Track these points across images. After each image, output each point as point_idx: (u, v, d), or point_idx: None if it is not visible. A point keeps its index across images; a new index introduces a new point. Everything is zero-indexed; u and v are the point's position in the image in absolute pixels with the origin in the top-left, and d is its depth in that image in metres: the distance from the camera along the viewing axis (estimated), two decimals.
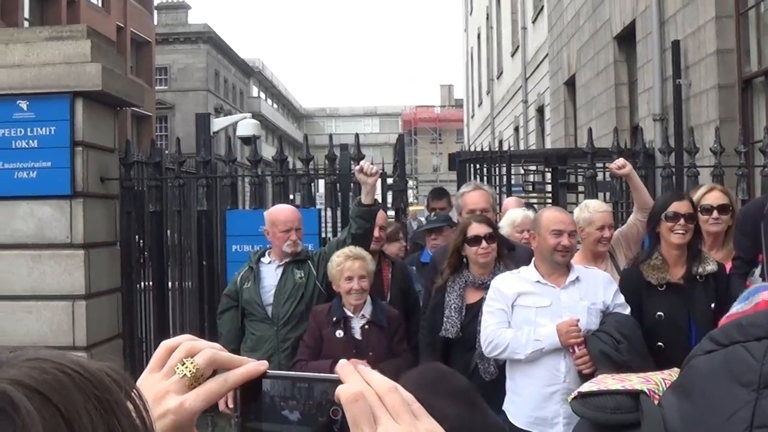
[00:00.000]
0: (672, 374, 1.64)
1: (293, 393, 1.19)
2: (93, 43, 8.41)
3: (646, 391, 1.41)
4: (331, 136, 9.91)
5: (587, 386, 1.89)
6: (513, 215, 7.79)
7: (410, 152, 73.98)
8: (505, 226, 7.48)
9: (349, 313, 6.27)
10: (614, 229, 6.74)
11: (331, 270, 6.36)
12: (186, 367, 1.20)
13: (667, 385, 1.61)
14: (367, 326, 6.27)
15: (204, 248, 9.72)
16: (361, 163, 6.88)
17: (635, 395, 1.39)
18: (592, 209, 6.63)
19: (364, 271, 6.25)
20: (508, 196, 12.34)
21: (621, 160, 6.85)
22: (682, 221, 5.94)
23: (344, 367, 1.15)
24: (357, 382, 1.12)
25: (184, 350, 1.22)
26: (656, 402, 1.60)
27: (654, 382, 1.66)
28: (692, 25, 13.47)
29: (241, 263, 8.29)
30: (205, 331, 9.15)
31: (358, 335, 6.26)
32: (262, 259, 6.99)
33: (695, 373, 1.36)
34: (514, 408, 5.70)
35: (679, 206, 6.00)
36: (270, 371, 1.21)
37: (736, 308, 1.96)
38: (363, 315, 6.30)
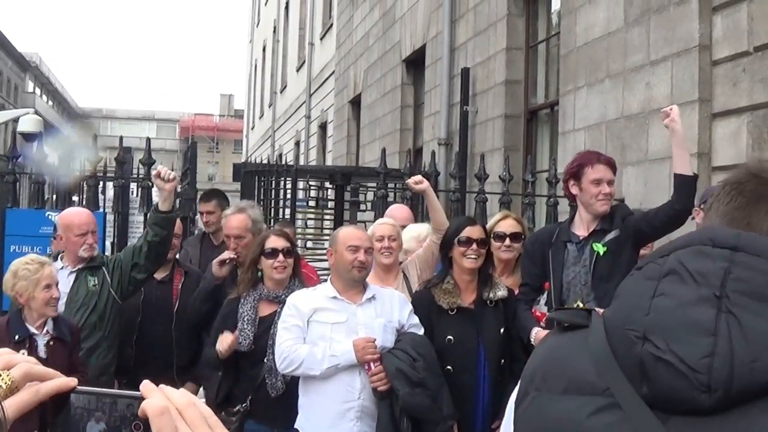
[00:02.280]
0: None
1: (98, 406, 1.25)
2: None
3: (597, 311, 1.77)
4: (121, 138, 9.50)
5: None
6: (418, 229, 7.28)
7: (183, 162, 73.08)
8: (408, 240, 7.03)
9: (33, 330, 5.69)
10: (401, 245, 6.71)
11: (17, 282, 5.66)
12: (2, 379, 1.22)
13: None
14: (51, 342, 5.74)
15: None
16: (159, 168, 6.58)
17: (589, 311, 1.75)
18: (375, 224, 6.79)
19: (55, 279, 5.79)
20: (291, 210, 12.19)
21: (419, 177, 6.85)
22: (474, 246, 5.99)
23: (147, 385, 1.24)
24: (160, 398, 1.21)
25: (2, 362, 1.25)
26: None
27: None
28: (482, 54, 13.69)
29: None
30: None
31: (42, 354, 5.62)
32: (55, 263, 6.51)
33: (620, 287, 1.73)
34: (308, 425, 5.61)
35: (471, 231, 6.05)
36: (79, 387, 1.26)
37: None
38: (47, 331, 5.74)
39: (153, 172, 6.65)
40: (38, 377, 1.26)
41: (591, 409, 1.55)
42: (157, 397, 1.20)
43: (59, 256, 6.64)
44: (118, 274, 6.48)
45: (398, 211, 7.79)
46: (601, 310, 1.75)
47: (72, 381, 1.26)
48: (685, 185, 5.79)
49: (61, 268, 6.45)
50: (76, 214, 6.75)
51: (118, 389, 4.36)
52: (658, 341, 1.52)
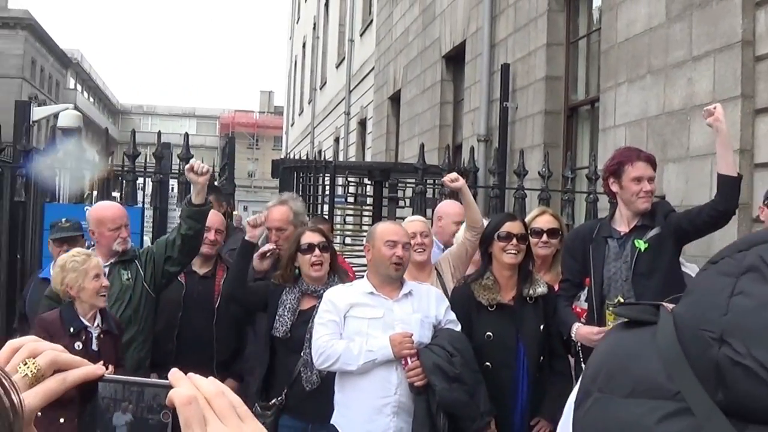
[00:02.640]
0: None
1: (125, 396, 1.24)
2: None
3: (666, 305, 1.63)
4: (159, 133, 9.56)
5: None
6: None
7: (221, 158, 73.32)
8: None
9: (86, 322, 5.71)
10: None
11: (66, 275, 5.70)
12: (28, 367, 1.22)
13: None
14: (102, 336, 5.76)
15: (18, 241, 9.17)
16: (191, 161, 6.59)
17: (657, 306, 1.63)
18: (406, 220, 6.80)
19: (103, 269, 5.84)
20: (330, 207, 12.18)
21: (454, 174, 6.80)
22: (514, 241, 5.95)
23: (175, 374, 1.23)
24: (189, 387, 1.20)
25: (27, 351, 1.24)
26: None
27: None
28: (522, 50, 13.63)
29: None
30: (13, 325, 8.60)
31: (94, 347, 5.68)
32: None
33: (692, 282, 1.62)
34: (344, 422, 5.60)
35: (511, 227, 6.02)
36: (106, 375, 1.25)
37: None
38: (97, 324, 5.77)
39: (186, 166, 6.65)
40: (65, 365, 1.24)
41: (660, 414, 1.44)
42: (185, 386, 1.19)
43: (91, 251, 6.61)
44: (151, 267, 6.48)
45: (450, 206, 7.71)
46: (670, 306, 1.64)
47: (99, 369, 1.25)
48: (728, 186, 5.72)
49: None
50: (108, 208, 6.77)
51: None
52: (737, 344, 1.41)
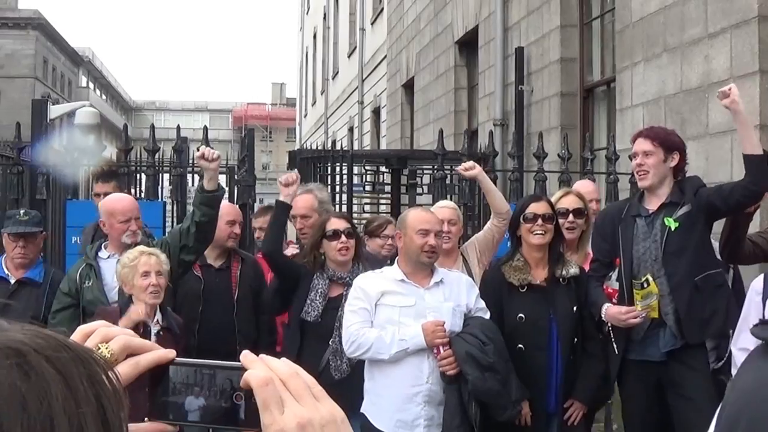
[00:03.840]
0: None
1: (197, 380, 1.24)
2: None
3: None
4: (178, 127, 9.60)
5: None
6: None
7: (240, 150, 73.32)
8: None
9: (144, 318, 5.69)
10: (462, 229, 6.75)
11: (122, 270, 5.76)
12: (101, 352, 1.22)
13: None
14: (161, 333, 5.76)
15: None
16: (202, 148, 6.58)
17: None
18: (433, 208, 6.66)
19: (160, 268, 5.76)
20: (348, 196, 12.22)
21: (470, 162, 6.78)
22: (540, 221, 5.91)
23: (248, 356, 1.22)
24: (264, 368, 1.20)
25: (100, 336, 1.25)
26: None
27: None
28: (536, 33, 13.61)
29: (79, 255, 7.84)
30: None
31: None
32: (99, 254, 6.50)
33: None
34: (374, 410, 5.57)
35: (537, 207, 5.98)
36: (177, 359, 1.26)
37: None
38: (156, 321, 5.79)
39: (197, 154, 6.65)
40: (137, 350, 1.26)
41: None
42: (260, 368, 1.19)
43: (102, 246, 6.58)
44: (168, 265, 6.38)
45: (584, 186, 7.55)
46: None
47: (170, 353, 1.27)
48: (754, 165, 5.66)
49: (108, 257, 6.41)
50: (118, 201, 6.67)
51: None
52: None
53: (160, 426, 1.27)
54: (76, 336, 1.24)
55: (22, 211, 6.97)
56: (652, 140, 5.98)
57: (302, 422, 1.15)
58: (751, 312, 5.21)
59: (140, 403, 1.22)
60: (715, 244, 6.11)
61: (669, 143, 6.00)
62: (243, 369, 1.21)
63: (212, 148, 6.50)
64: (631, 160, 6.16)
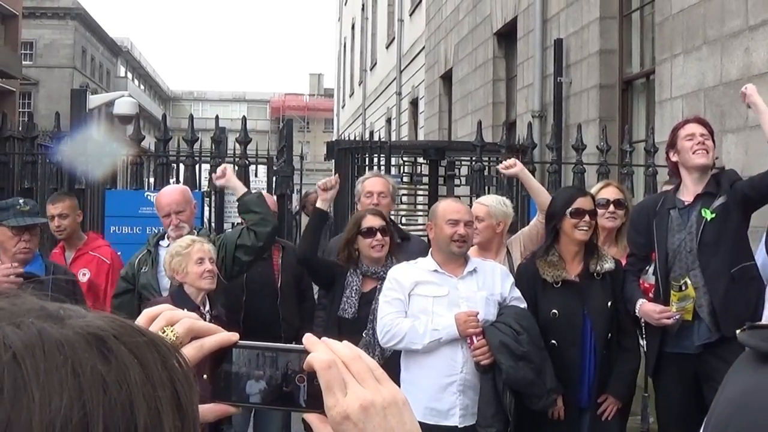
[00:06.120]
0: None
1: (259, 363, 1.26)
2: None
3: None
4: (217, 117, 9.71)
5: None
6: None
7: (278, 140, 73.51)
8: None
9: (197, 304, 5.76)
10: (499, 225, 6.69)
11: (172, 260, 5.79)
12: (167, 335, 1.24)
13: None
14: (213, 322, 5.81)
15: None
16: (218, 169, 6.72)
17: None
18: (476, 202, 6.79)
19: (212, 255, 5.86)
20: None
21: (511, 160, 6.81)
22: (587, 218, 5.88)
23: (310, 338, 1.24)
24: (327, 351, 1.21)
25: (165, 319, 1.28)
26: None
27: None
28: (575, 25, 13.59)
29: (119, 245, 7.95)
30: None
31: None
32: (161, 242, 6.62)
33: None
34: (410, 399, 5.45)
35: (583, 202, 5.95)
36: (240, 341, 1.28)
37: None
38: (207, 309, 5.85)
39: (214, 178, 6.72)
40: (201, 332, 1.28)
41: None
42: (323, 351, 1.21)
43: (165, 235, 6.66)
44: (222, 253, 6.37)
45: None
46: None
47: (234, 335, 1.28)
48: None
49: (168, 245, 6.44)
50: (162, 195, 6.76)
51: None
52: None
53: (224, 407, 1.29)
54: (141, 320, 1.28)
55: (21, 201, 6.26)
56: (706, 127, 6.02)
57: (365, 404, 1.17)
58: None
59: (204, 385, 1.23)
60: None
61: (713, 137, 6.06)
62: (305, 352, 1.22)
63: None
64: (667, 155, 6.15)
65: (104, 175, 9.28)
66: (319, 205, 6.57)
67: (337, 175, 7.07)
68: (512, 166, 6.63)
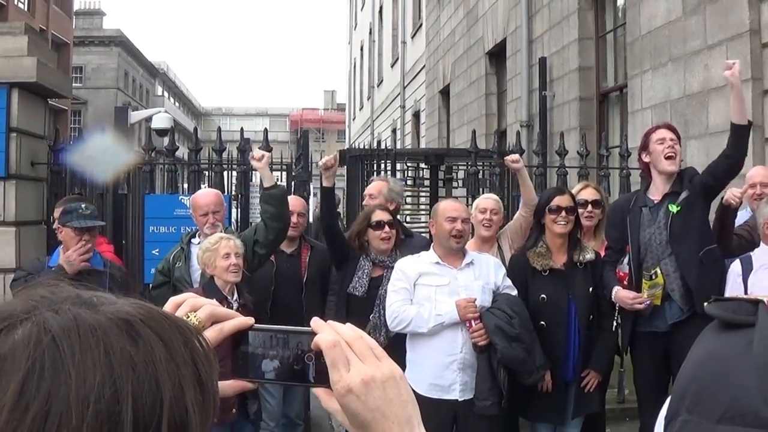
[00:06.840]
0: None
1: (272, 344, 1.27)
2: (30, 38, 8.09)
3: (766, 302, 1.24)
4: (242, 129, 9.79)
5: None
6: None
7: (296, 149, 73.44)
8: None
9: (226, 294, 5.80)
10: (502, 219, 6.76)
11: (203, 254, 5.83)
12: (190, 320, 1.26)
13: None
14: (240, 310, 5.62)
15: (123, 229, 9.37)
16: (253, 151, 6.67)
17: (756, 303, 1.24)
18: (480, 197, 6.82)
19: (238, 250, 5.84)
20: None
21: (516, 156, 6.86)
22: (563, 213, 5.94)
23: (317, 321, 1.25)
24: (331, 332, 1.22)
25: (189, 305, 1.29)
26: None
27: None
28: (557, 45, 13.65)
29: (156, 243, 8.00)
30: None
31: None
32: (192, 240, 6.66)
33: None
34: (415, 376, 5.60)
35: (561, 200, 6.01)
36: (256, 325, 1.29)
37: None
38: (235, 299, 5.87)
39: (249, 156, 6.70)
40: (220, 317, 1.29)
41: None
42: (328, 332, 1.23)
43: (197, 233, 6.69)
44: (250, 247, 6.39)
45: (763, 169, 6.98)
46: None
47: (250, 320, 1.30)
48: (738, 134, 5.70)
49: (198, 243, 6.44)
50: (200, 196, 6.77)
51: None
52: None
53: (242, 383, 1.30)
54: (168, 306, 1.30)
55: (83, 205, 6.20)
56: (674, 132, 6.04)
57: (366, 379, 1.18)
58: (733, 293, 5.30)
59: (224, 364, 1.24)
60: None
61: (680, 141, 6.10)
62: (313, 333, 1.24)
63: (264, 149, 6.55)
64: (639, 156, 6.18)
65: (113, 179, 9.25)
66: (324, 184, 6.51)
67: (336, 153, 7.05)
68: (518, 161, 6.68)
